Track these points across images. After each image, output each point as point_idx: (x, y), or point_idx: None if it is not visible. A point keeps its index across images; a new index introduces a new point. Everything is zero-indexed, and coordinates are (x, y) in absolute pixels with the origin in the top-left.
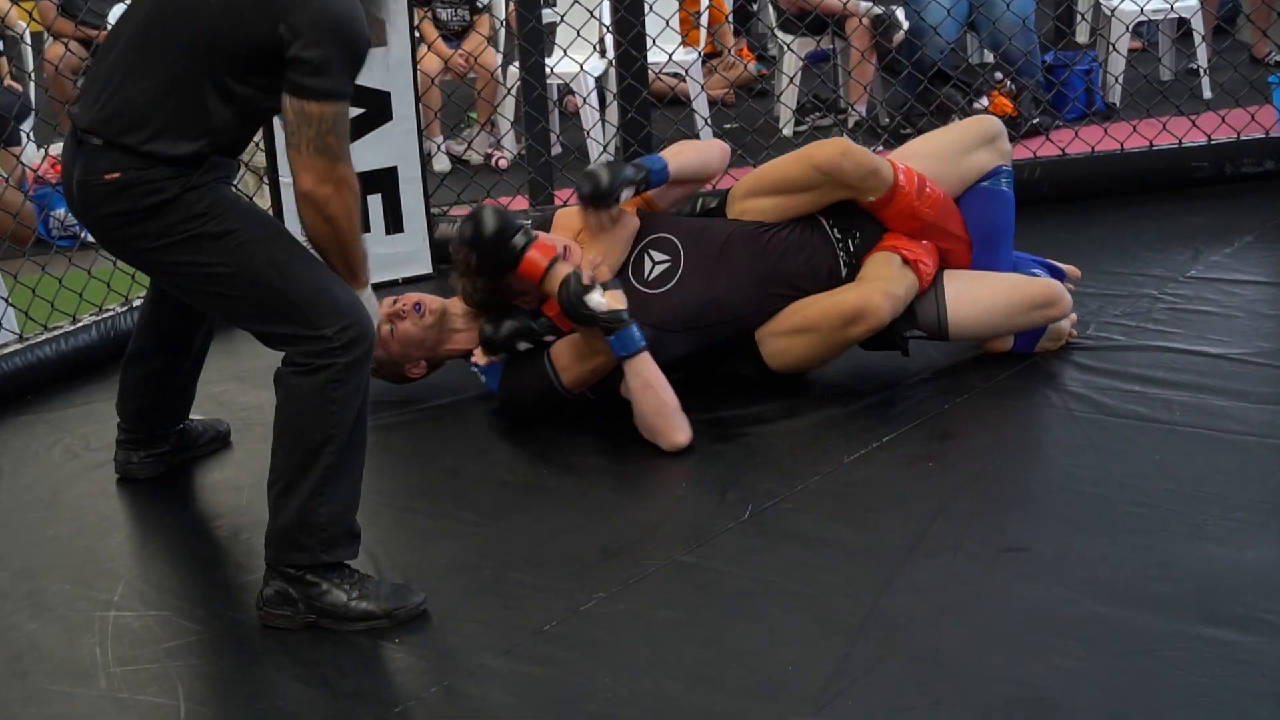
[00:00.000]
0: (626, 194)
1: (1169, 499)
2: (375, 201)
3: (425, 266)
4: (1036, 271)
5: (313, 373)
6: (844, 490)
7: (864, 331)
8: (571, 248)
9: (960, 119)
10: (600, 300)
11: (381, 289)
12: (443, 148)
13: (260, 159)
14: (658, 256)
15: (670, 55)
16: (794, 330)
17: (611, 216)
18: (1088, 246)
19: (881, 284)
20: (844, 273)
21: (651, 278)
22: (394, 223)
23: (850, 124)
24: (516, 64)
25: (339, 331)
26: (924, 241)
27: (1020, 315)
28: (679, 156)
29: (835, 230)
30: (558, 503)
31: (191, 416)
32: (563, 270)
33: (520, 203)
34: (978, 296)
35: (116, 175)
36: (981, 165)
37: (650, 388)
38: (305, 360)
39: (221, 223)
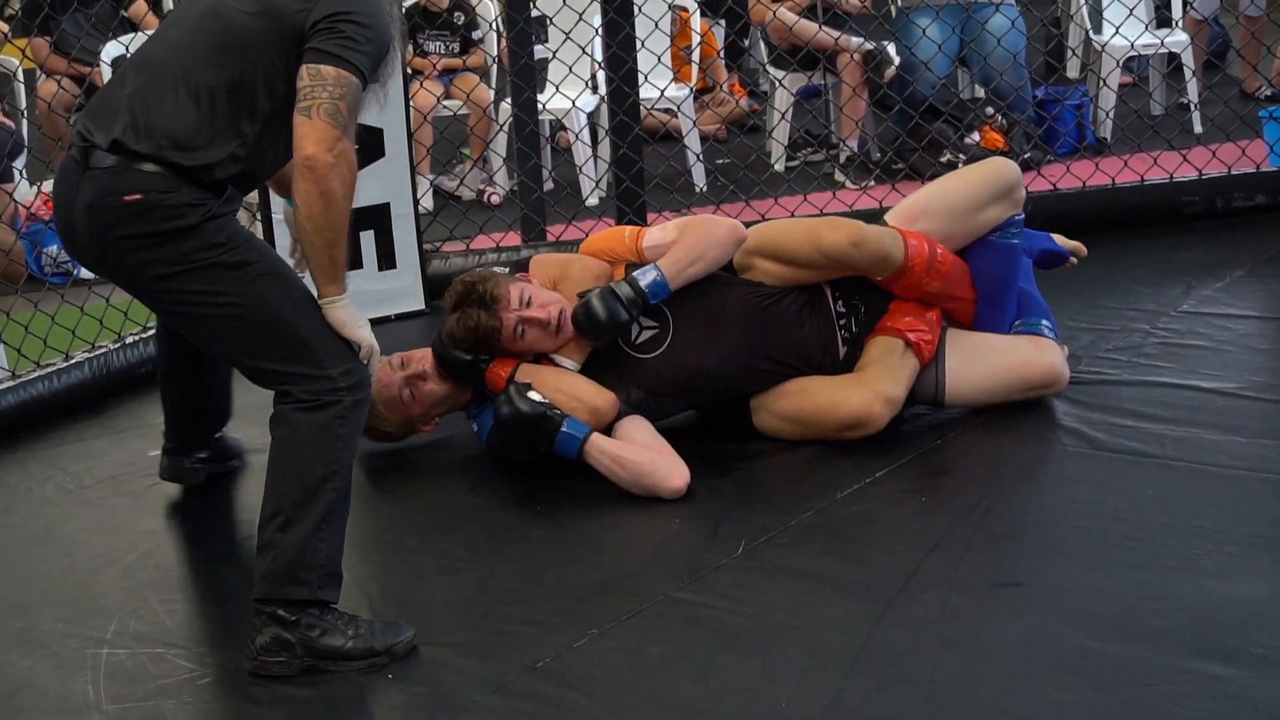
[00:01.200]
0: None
1: (1162, 533)
2: (368, 238)
3: (418, 302)
4: (1045, 327)
5: (320, 409)
6: (838, 525)
7: (859, 436)
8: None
9: (951, 154)
10: (529, 408)
11: (375, 325)
12: (432, 184)
13: (253, 195)
14: (645, 322)
15: (662, 91)
16: (787, 418)
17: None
18: (1080, 281)
19: (883, 389)
20: (841, 352)
21: (639, 342)
22: (386, 259)
23: (842, 159)
24: (509, 100)
25: (344, 374)
26: (929, 312)
27: (1017, 393)
28: (683, 266)
29: (839, 304)
30: (550, 538)
31: (224, 432)
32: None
33: (513, 239)
34: (977, 374)
35: (138, 197)
36: (995, 220)
37: (619, 462)
38: (310, 397)
39: (239, 254)
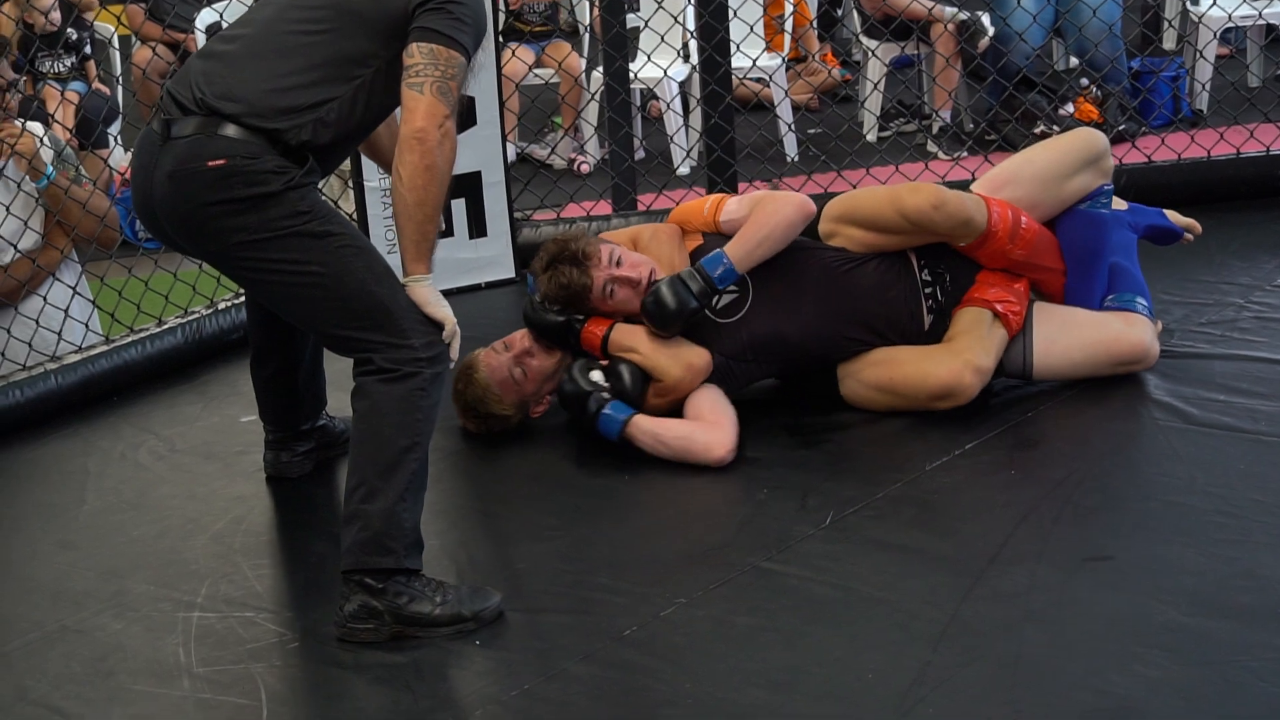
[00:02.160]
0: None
1: (1254, 509)
2: (459, 206)
3: (508, 270)
4: (1140, 303)
5: (401, 379)
6: (926, 497)
7: (949, 406)
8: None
9: (1045, 125)
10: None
11: (465, 293)
12: (521, 153)
13: (346, 162)
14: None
15: (754, 60)
16: (876, 387)
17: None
18: (1173, 254)
19: (972, 358)
20: (926, 321)
21: (719, 307)
22: (477, 227)
23: (934, 130)
24: (600, 69)
25: (425, 345)
26: (1016, 283)
27: (1105, 369)
28: (750, 249)
29: (925, 272)
30: (638, 507)
31: (330, 414)
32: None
33: (604, 208)
34: (1066, 347)
35: (222, 162)
36: (1083, 188)
37: (660, 440)
38: (392, 366)
39: (322, 224)
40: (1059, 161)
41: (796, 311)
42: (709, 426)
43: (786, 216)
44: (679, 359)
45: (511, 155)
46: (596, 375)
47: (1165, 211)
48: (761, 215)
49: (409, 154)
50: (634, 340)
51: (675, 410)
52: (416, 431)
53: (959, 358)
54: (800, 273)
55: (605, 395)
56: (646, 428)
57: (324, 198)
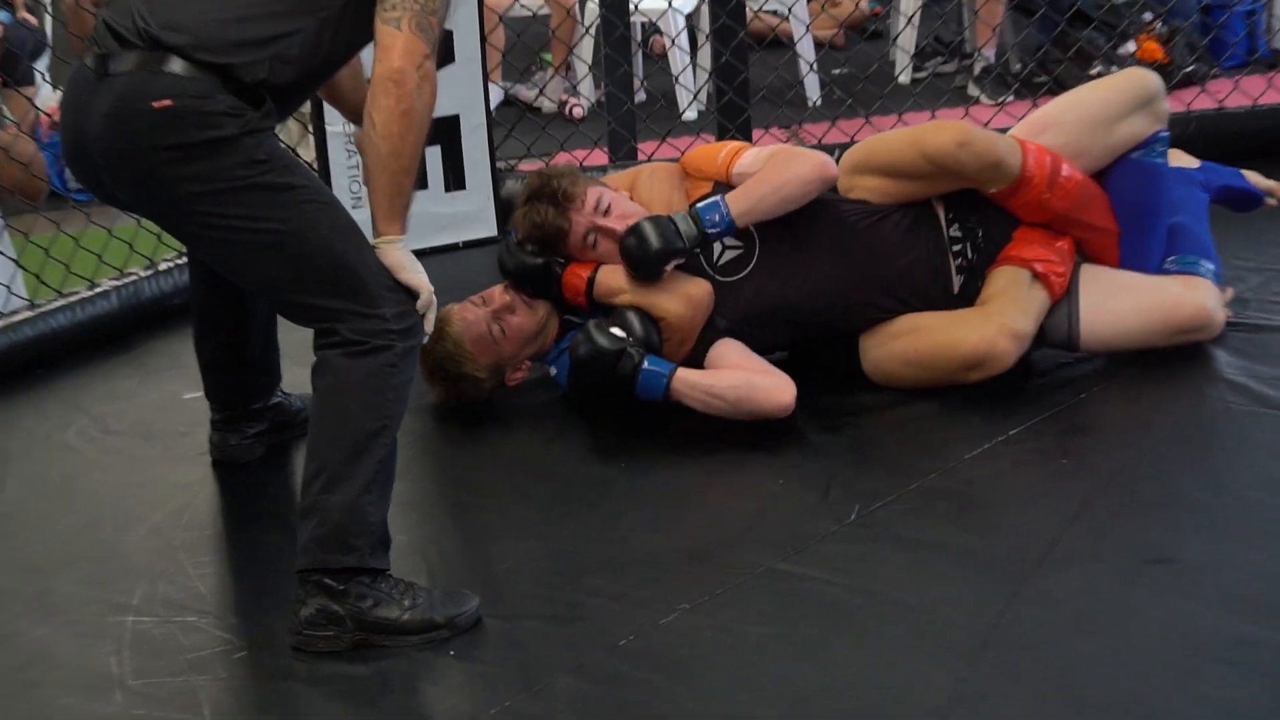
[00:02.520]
0: (672, 265)
1: None
2: (434, 155)
3: (489, 228)
4: (1205, 266)
5: (369, 354)
6: (964, 490)
7: (983, 377)
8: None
9: (1102, 66)
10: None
11: (440, 254)
12: (507, 93)
13: (305, 104)
14: (729, 241)
15: None
16: (901, 359)
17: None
18: (1246, 215)
19: (1008, 321)
20: (956, 283)
21: (721, 263)
22: (455, 178)
23: (976, 71)
24: None
25: (397, 315)
26: (1059, 241)
27: (1162, 338)
28: (754, 203)
29: (954, 227)
30: (636, 499)
31: (286, 390)
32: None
33: (599, 157)
34: (1116, 313)
35: (168, 102)
36: (1135, 134)
37: (712, 392)
38: (359, 338)
39: (282, 175)
40: (1107, 104)
41: (807, 273)
42: (765, 370)
43: (800, 174)
44: (676, 292)
45: (495, 97)
46: (617, 330)
47: (1243, 171)
48: (774, 168)
49: (384, 97)
50: (624, 280)
51: (690, 364)
52: (385, 413)
53: (992, 321)
54: (812, 229)
55: (638, 349)
56: (695, 380)
57: (282, 144)
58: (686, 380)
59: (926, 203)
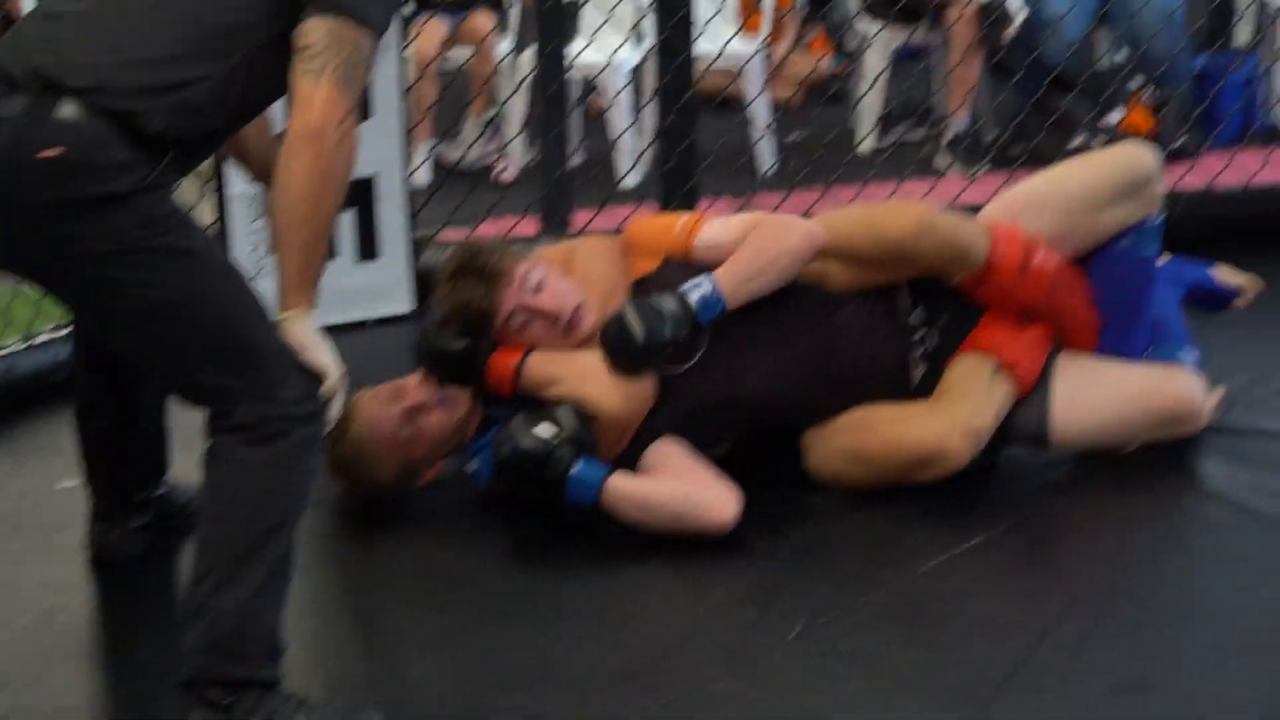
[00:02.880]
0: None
1: None
2: (346, 219)
3: (405, 303)
4: (1186, 355)
5: (267, 442)
6: (920, 605)
7: (934, 476)
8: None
9: (1085, 137)
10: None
11: (349, 331)
12: (432, 152)
13: (206, 163)
14: None
15: (724, 46)
16: (845, 455)
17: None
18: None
19: (961, 415)
20: (916, 376)
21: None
22: (368, 247)
23: (946, 139)
24: (532, 49)
25: (299, 399)
26: (1029, 330)
27: (1143, 431)
28: (745, 281)
29: (915, 312)
30: (560, 609)
31: (174, 480)
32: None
33: (529, 226)
34: (1091, 402)
35: (57, 152)
36: (1123, 220)
37: (646, 506)
38: (258, 423)
39: (180, 238)
40: (1095, 185)
41: (758, 367)
42: (705, 481)
43: (792, 247)
44: (616, 388)
45: (424, 161)
46: (544, 429)
47: (1213, 268)
48: (763, 240)
49: (300, 155)
50: (556, 369)
51: (625, 465)
52: (284, 509)
53: (944, 415)
54: (763, 318)
55: (567, 452)
56: (629, 491)
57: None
58: (619, 491)
59: (887, 286)
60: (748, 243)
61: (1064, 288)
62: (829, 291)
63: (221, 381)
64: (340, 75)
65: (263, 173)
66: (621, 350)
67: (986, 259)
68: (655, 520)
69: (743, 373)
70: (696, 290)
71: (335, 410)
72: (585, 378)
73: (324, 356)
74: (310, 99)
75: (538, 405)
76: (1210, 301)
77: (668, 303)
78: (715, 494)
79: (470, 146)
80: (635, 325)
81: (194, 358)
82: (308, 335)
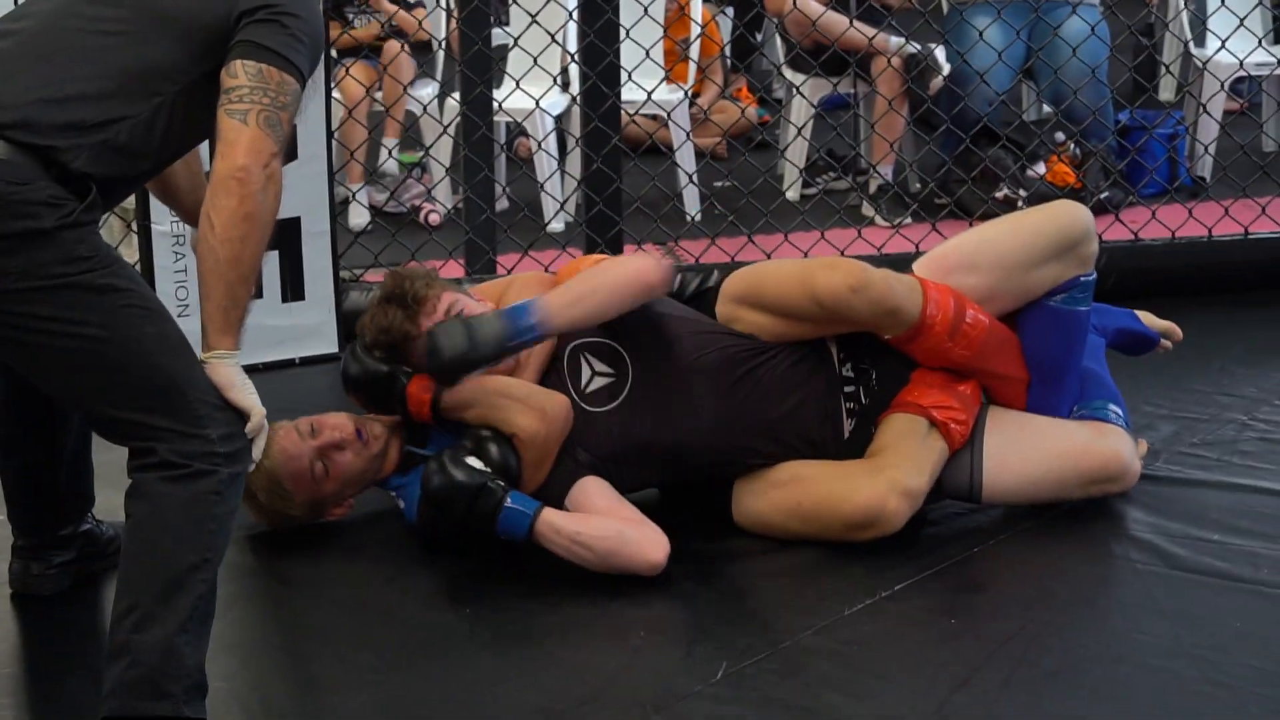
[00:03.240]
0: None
1: (1252, 678)
2: (271, 261)
3: (330, 344)
4: (1114, 412)
5: (191, 479)
6: (841, 650)
7: (872, 537)
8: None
9: (1009, 189)
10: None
11: (275, 370)
12: (358, 197)
13: (130, 200)
14: (599, 367)
15: (649, 94)
16: (781, 511)
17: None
18: (1161, 357)
19: (899, 478)
20: (846, 428)
21: (589, 390)
22: (294, 288)
23: (871, 189)
24: (457, 95)
25: (223, 438)
26: (961, 385)
27: (1074, 490)
28: (573, 305)
29: (846, 366)
30: (482, 650)
31: (96, 516)
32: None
33: (454, 269)
34: (1023, 460)
35: None
36: (1055, 279)
37: (579, 540)
38: (180, 461)
39: (104, 275)
40: (1028, 245)
41: (683, 411)
42: (636, 521)
43: (617, 279)
44: (530, 406)
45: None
46: (475, 462)
47: (1138, 313)
48: (593, 271)
49: (225, 197)
50: (473, 392)
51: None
52: (206, 545)
53: (881, 476)
54: (691, 362)
55: (499, 484)
56: (561, 525)
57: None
58: (552, 524)
59: (820, 342)
60: (581, 273)
61: (994, 345)
62: (758, 344)
63: (144, 419)
64: (264, 118)
65: (191, 213)
66: (431, 364)
67: (919, 318)
68: (586, 556)
69: (671, 416)
70: (518, 313)
71: (257, 449)
72: (502, 399)
73: (247, 396)
74: (236, 141)
75: (458, 435)
76: (1135, 346)
77: (484, 322)
78: (645, 534)
79: (396, 188)
80: (441, 340)
81: (117, 395)
82: (232, 375)
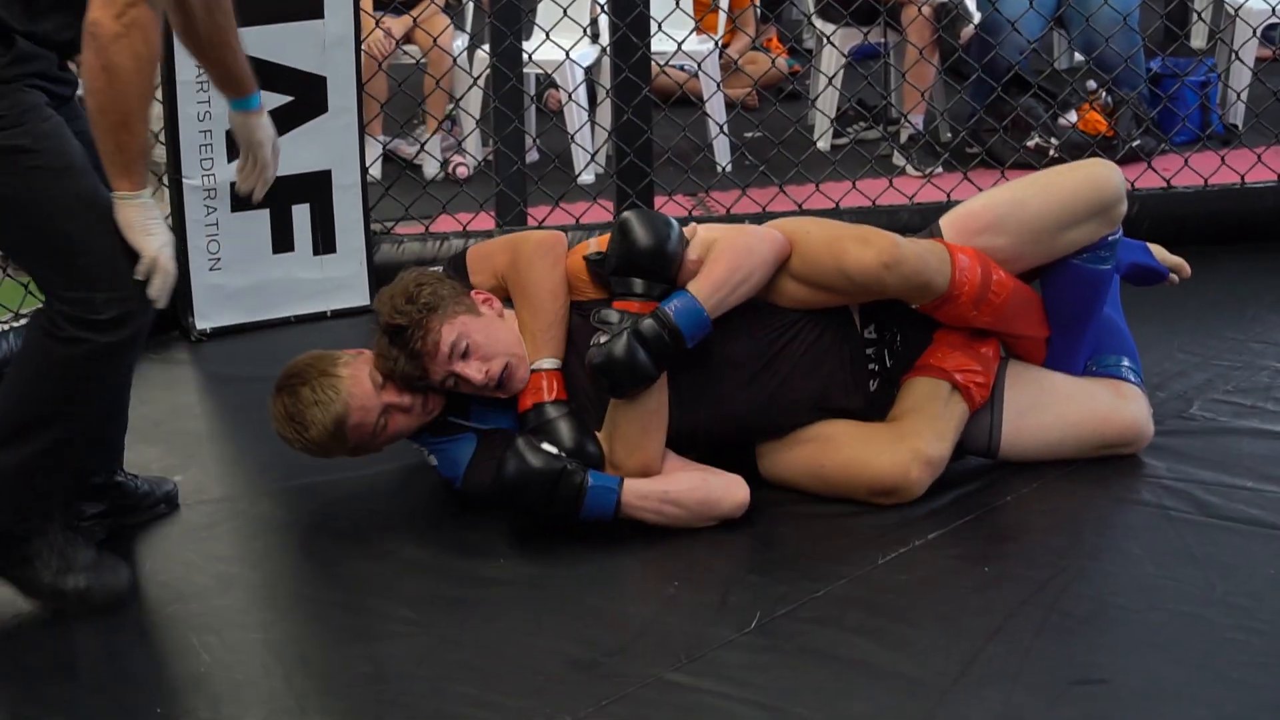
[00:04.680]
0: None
1: None
2: (302, 213)
3: (362, 296)
4: (1127, 368)
5: (66, 343)
6: (877, 599)
7: (892, 503)
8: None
9: (1041, 138)
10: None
11: (307, 323)
12: (388, 147)
13: (160, 153)
14: None
15: (680, 44)
16: (803, 471)
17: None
18: (1195, 304)
19: (921, 446)
20: (871, 389)
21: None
22: (325, 241)
23: (902, 138)
24: (486, 47)
25: (108, 301)
26: (983, 346)
27: (1088, 451)
28: (725, 294)
29: (869, 329)
30: (515, 601)
31: (131, 471)
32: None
33: (485, 221)
34: (1042, 424)
35: None
36: (1082, 240)
37: (669, 500)
38: (64, 326)
39: (17, 136)
40: (1059, 210)
41: (713, 397)
42: (710, 470)
43: (764, 256)
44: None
45: (373, 153)
46: (549, 447)
47: (1150, 246)
48: (735, 252)
49: (85, 51)
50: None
51: None
52: (70, 401)
53: (905, 444)
54: (717, 347)
55: (578, 466)
56: (648, 489)
57: (39, 100)
58: (638, 491)
59: (842, 306)
60: (719, 255)
61: (1016, 309)
62: (783, 312)
63: (45, 274)
64: None
65: (209, 48)
66: (611, 384)
67: (947, 289)
68: (678, 513)
69: (700, 402)
70: (678, 307)
71: (155, 288)
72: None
73: (144, 237)
74: None
75: (499, 408)
76: (1144, 279)
77: (648, 325)
78: (726, 480)
79: (427, 142)
80: (621, 356)
81: (24, 250)
82: (134, 216)
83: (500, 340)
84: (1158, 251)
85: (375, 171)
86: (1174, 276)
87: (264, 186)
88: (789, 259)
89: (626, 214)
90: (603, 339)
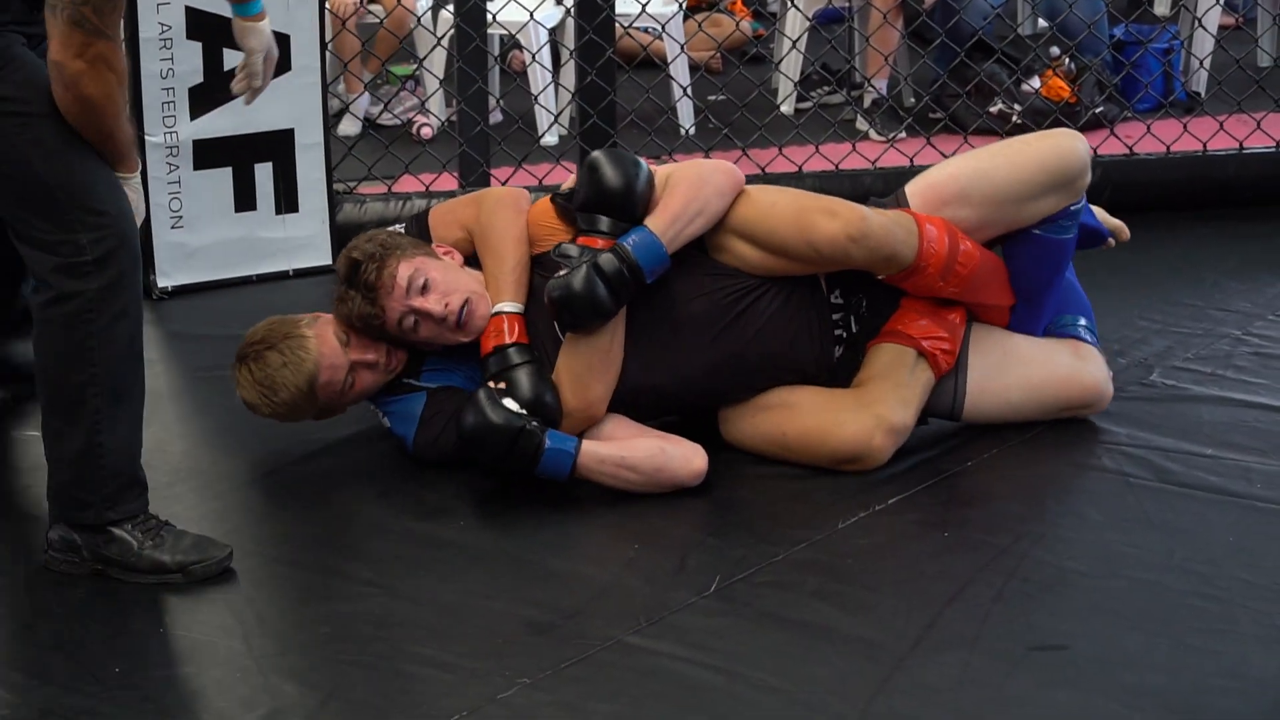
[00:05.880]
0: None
1: (1243, 592)
2: (265, 171)
3: (323, 255)
4: (1084, 328)
5: (59, 302)
6: (836, 563)
7: (855, 470)
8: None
9: (1004, 103)
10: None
11: (268, 282)
12: (353, 108)
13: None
14: None
15: (644, 6)
16: (766, 438)
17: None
18: (1155, 271)
19: (886, 413)
20: (837, 354)
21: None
22: (287, 200)
23: (866, 103)
24: (450, 7)
25: (93, 241)
26: (949, 314)
27: (1050, 413)
28: (682, 226)
29: (835, 293)
30: (475, 562)
31: None
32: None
33: (447, 181)
34: (1004, 386)
35: None
36: (1047, 211)
37: (625, 465)
38: (55, 283)
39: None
40: (1024, 181)
41: (675, 357)
42: (669, 437)
43: (719, 186)
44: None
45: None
46: (511, 403)
47: (1092, 207)
48: (689, 184)
49: (54, 84)
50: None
51: None
52: (91, 362)
53: (869, 411)
54: (680, 306)
55: (536, 426)
56: (606, 453)
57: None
58: (595, 454)
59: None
60: (675, 188)
61: (982, 279)
62: (746, 281)
63: (28, 220)
64: (69, 15)
65: None
66: (568, 318)
67: (914, 260)
68: (633, 479)
69: (662, 362)
70: (634, 240)
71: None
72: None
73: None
74: (52, 35)
75: (457, 362)
76: (1085, 240)
77: (607, 260)
78: (685, 448)
79: (389, 101)
80: (580, 287)
81: (7, 199)
82: (131, 199)
83: (460, 279)
84: (1099, 213)
85: (356, 128)
86: (1112, 239)
87: (254, 95)
88: (756, 230)
89: (596, 153)
90: (562, 272)
